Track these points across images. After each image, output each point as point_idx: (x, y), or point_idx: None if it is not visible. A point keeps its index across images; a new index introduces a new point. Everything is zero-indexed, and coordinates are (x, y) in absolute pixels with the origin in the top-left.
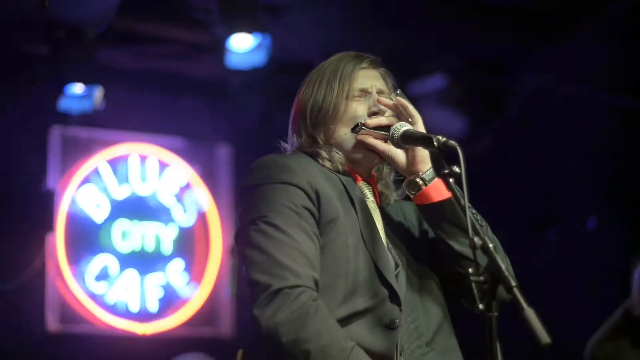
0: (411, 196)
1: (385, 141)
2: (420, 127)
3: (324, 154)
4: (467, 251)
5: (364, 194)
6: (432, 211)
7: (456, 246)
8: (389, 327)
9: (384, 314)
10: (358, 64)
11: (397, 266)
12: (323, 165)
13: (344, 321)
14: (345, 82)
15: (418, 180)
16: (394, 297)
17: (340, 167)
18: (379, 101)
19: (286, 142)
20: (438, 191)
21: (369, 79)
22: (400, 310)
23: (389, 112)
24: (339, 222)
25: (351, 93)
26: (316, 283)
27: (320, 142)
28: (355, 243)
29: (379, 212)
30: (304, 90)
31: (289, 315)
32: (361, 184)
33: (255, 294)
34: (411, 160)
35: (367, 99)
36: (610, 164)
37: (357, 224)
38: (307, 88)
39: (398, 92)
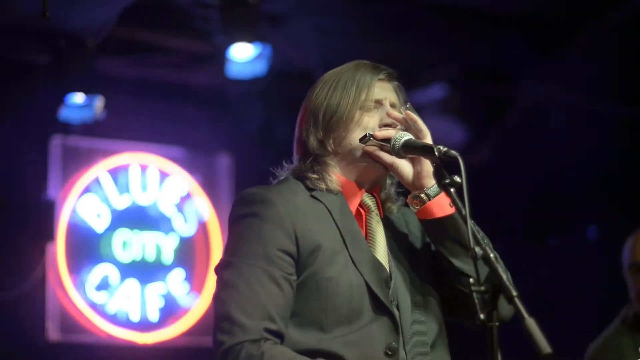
0: (414, 210)
1: (392, 153)
2: (429, 142)
3: (314, 176)
4: (467, 268)
5: (366, 206)
6: (434, 227)
7: (457, 263)
8: (388, 354)
9: (382, 342)
10: (376, 74)
11: (391, 278)
12: (314, 188)
13: (337, 355)
14: (362, 91)
15: (422, 195)
16: (392, 321)
17: (333, 186)
18: (388, 114)
19: (288, 152)
20: (440, 207)
21: (384, 91)
22: (398, 332)
23: (399, 126)
24: (321, 252)
25: (366, 103)
26: (271, 331)
27: (329, 149)
28: (344, 269)
29: (381, 224)
30: (316, 92)
31: None
32: (364, 195)
33: (214, 349)
34: (417, 174)
35: (379, 110)
36: (611, 172)
37: (344, 251)
38: (321, 91)
39: (407, 105)
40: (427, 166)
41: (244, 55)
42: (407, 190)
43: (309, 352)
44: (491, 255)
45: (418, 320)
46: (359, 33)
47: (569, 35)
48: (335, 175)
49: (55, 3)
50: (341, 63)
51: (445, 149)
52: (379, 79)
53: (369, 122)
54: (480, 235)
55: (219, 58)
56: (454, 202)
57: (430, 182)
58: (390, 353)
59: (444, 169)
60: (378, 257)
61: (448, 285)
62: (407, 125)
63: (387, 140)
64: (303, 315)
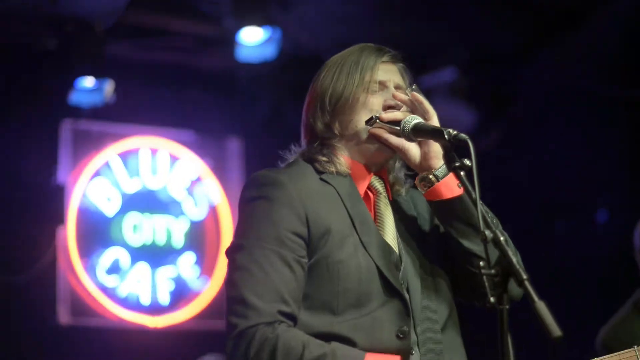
0: (423, 192)
1: (399, 135)
2: (435, 123)
3: (323, 158)
4: (476, 249)
5: (375, 189)
6: (443, 208)
7: (466, 243)
8: (399, 337)
9: (393, 325)
10: (379, 57)
11: (400, 261)
12: (323, 171)
13: (349, 339)
14: (366, 73)
15: (430, 176)
16: (402, 303)
17: (342, 169)
18: (394, 96)
19: (298, 135)
20: (449, 188)
21: (389, 72)
22: (408, 315)
23: (404, 108)
24: (332, 235)
25: (371, 85)
26: (284, 313)
27: (336, 132)
28: (354, 253)
29: (390, 207)
30: (322, 77)
31: (254, 356)
32: (373, 178)
33: (227, 332)
34: (424, 155)
35: (384, 92)
36: (620, 156)
37: (354, 234)
38: (326, 76)
39: (414, 87)
40: (434, 147)
41: (253, 39)
42: (415, 171)
43: (320, 335)
44: (501, 238)
45: (428, 303)
46: (368, 17)
47: (578, 20)
48: (344, 158)
49: None
50: (351, 46)
51: (455, 132)
52: (383, 61)
53: (373, 104)
54: (490, 215)
55: (229, 42)
56: (464, 185)
57: (438, 163)
58: (401, 336)
59: (454, 152)
60: (387, 240)
61: (458, 266)
62: (413, 107)
63: (394, 122)
64: (314, 298)
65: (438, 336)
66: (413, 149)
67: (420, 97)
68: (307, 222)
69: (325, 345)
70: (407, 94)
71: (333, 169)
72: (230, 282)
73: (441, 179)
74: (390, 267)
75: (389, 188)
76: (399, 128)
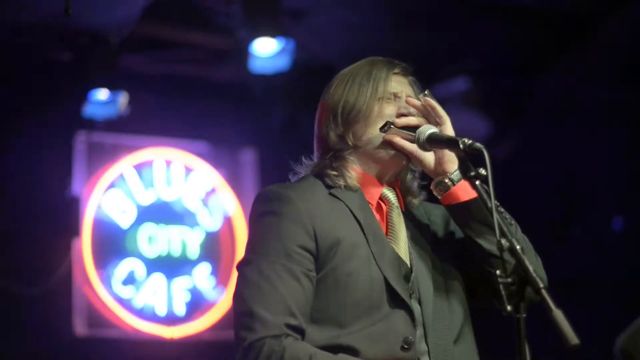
0: (439, 197)
1: (413, 141)
2: (449, 128)
3: (333, 172)
4: (496, 250)
5: (387, 200)
6: (460, 211)
7: (485, 244)
8: (404, 348)
9: (398, 336)
10: (391, 69)
11: (411, 272)
12: (333, 185)
13: (354, 349)
14: (379, 84)
15: (446, 180)
16: (409, 314)
17: (352, 182)
18: (407, 102)
19: (312, 145)
20: (465, 191)
21: (401, 84)
22: (415, 326)
23: (417, 114)
24: (341, 248)
25: (385, 95)
26: (291, 327)
27: (350, 143)
28: (363, 264)
29: (402, 217)
30: (332, 90)
31: None
32: (385, 189)
33: (235, 345)
34: (439, 160)
35: (397, 102)
36: (636, 164)
37: (365, 245)
38: (337, 89)
39: (426, 92)
40: (448, 151)
41: (267, 50)
42: (429, 179)
43: (325, 348)
44: (517, 247)
45: (441, 313)
46: (381, 26)
47: (590, 28)
48: (354, 171)
49: (77, 0)
50: (364, 56)
51: (470, 141)
52: (394, 73)
53: (387, 112)
54: (508, 218)
55: (242, 53)
56: (480, 194)
57: (453, 167)
58: (406, 347)
59: (469, 161)
60: (399, 251)
61: (476, 268)
62: (426, 112)
63: (408, 128)
64: (321, 311)
65: (450, 347)
66: (428, 155)
67: (433, 103)
68: (314, 236)
69: (332, 356)
70: (420, 100)
71: (342, 183)
72: (238, 296)
73: (457, 182)
74: (399, 278)
75: (402, 199)
76: (412, 134)
